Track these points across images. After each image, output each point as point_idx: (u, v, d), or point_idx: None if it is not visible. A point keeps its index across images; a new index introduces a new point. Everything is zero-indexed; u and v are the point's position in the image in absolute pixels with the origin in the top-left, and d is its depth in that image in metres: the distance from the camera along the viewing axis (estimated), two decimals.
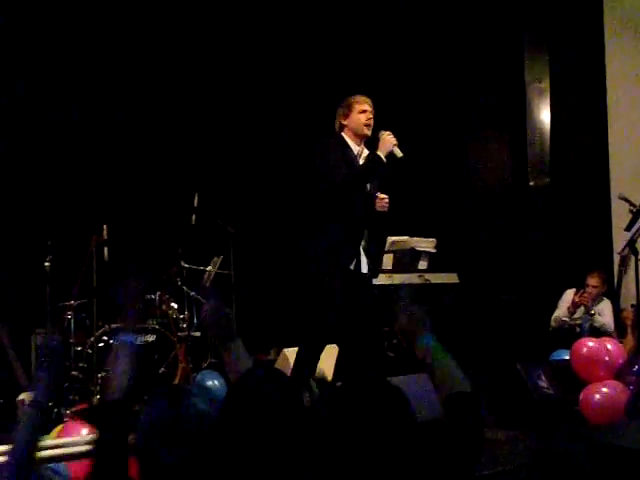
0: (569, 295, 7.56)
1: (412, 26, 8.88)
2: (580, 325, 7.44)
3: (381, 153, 5.18)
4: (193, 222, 7.30)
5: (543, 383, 5.63)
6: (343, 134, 5.35)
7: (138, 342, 2.63)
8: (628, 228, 7.09)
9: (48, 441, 3.78)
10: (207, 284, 7.46)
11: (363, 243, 5.34)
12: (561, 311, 7.55)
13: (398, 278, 7.19)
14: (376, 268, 5.46)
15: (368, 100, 5.35)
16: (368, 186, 5.36)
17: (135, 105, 8.09)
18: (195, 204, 7.31)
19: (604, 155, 8.31)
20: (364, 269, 5.33)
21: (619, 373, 5.60)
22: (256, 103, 8.60)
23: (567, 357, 6.05)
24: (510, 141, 9.08)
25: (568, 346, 6.11)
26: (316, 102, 7.65)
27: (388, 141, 5.20)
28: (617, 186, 8.03)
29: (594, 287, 7.45)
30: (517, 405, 5.48)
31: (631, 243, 6.93)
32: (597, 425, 5.16)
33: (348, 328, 5.34)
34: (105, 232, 6.74)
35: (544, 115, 8.69)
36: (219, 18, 8.41)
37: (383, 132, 5.30)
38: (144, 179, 8.01)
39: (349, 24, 8.74)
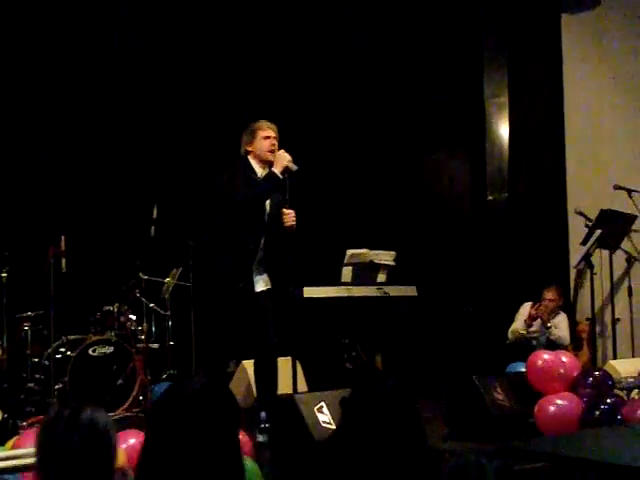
0: (526, 308, 7.64)
1: (371, 43, 8.93)
2: (537, 338, 7.52)
3: (277, 170, 5.36)
4: (152, 234, 7.28)
5: (499, 395, 5.67)
6: (249, 157, 5.52)
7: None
8: (584, 242, 7.20)
9: (3, 452, 3.75)
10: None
11: (256, 263, 5.49)
12: (518, 324, 7.62)
13: (357, 290, 7.21)
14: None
15: (272, 126, 5.52)
16: (268, 207, 5.50)
17: (93, 116, 8.06)
18: (154, 216, 7.29)
19: (561, 170, 8.41)
20: (258, 288, 5.49)
21: (574, 385, 5.65)
22: (218, 115, 8.60)
23: (523, 369, 6.09)
24: (469, 155, 9.16)
25: (524, 358, 6.15)
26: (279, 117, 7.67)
27: (283, 158, 5.37)
28: (573, 201, 8.12)
29: (551, 300, 7.54)
30: (473, 417, 5.52)
31: (587, 257, 7.03)
32: (551, 436, 5.20)
33: (252, 344, 5.58)
34: (63, 243, 6.70)
35: (503, 130, 8.78)
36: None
37: (278, 151, 5.48)
38: (103, 190, 7.98)
39: (309, 40, 8.79)
